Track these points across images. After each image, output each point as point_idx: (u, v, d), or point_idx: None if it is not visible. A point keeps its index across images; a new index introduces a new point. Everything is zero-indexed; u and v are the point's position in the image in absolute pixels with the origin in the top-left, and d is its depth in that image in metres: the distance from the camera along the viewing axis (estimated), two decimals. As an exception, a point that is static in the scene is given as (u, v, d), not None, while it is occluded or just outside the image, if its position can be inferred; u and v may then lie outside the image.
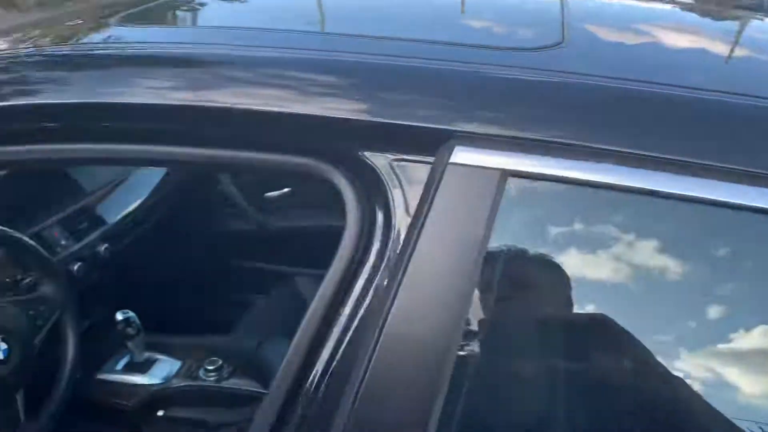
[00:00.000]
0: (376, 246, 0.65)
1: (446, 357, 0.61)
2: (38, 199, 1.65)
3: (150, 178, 1.99)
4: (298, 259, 2.36)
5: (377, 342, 0.64)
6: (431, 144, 0.58)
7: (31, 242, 1.24)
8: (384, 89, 0.62)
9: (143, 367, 1.62)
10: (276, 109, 0.61)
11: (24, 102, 0.70)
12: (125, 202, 1.83)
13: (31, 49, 0.80)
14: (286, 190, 2.34)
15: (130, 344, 1.59)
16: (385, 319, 0.64)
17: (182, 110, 0.63)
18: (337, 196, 0.65)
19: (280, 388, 0.71)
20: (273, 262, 2.39)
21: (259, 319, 1.99)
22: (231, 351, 1.65)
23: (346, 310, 0.69)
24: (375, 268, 0.65)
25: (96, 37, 0.89)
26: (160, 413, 1.55)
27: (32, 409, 1.20)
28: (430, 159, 0.58)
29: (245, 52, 0.68)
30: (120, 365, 1.64)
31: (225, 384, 1.57)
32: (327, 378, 0.70)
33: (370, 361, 0.65)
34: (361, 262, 0.67)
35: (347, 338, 0.69)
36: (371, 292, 0.66)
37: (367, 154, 0.61)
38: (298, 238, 2.33)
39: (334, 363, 0.70)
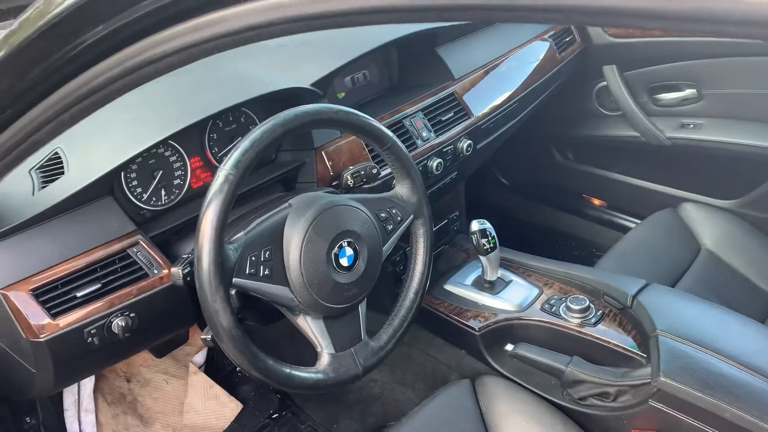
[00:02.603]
0: None
1: None
2: (410, 81, 1.49)
3: (523, 66, 1.69)
4: (691, 182, 1.88)
5: None
6: None
7: (390, 133, 1.05)
8: None
9: (494, 288, 1.40)
10: None
11: None
12: (493, 93, 1.56)
13: None
14: (687, 92, 1.83)
15: (483, 260, 1.38)
16: None
17: None
18: None
19: None
20: (658, 180, 1.94)
21: (632, 253, 1.61)
22: (600, 292, 1.31)
23: None
24: None
25: None
26: (509, 347, 1.32)
27: (372, 324, 1.06)
28: None
29: None
30: (469, 280, 1.45)
31: (590, 331, 1.25)
32: None
33: None
34: None
35: None
36: None
37: None
38: (697, 156, 1.82)
39: None
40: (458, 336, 1.38)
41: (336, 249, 0.96)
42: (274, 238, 0.95)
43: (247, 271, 0.91)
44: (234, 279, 0.90)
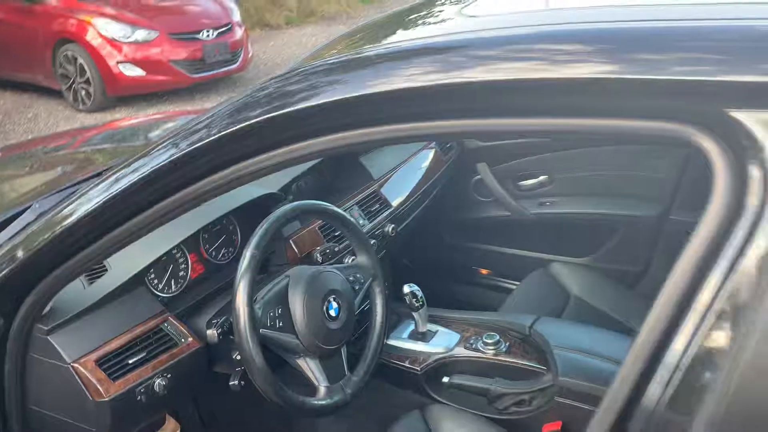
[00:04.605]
0: (749, 214, 0.60)
1: None
2: (341, 184, 1.90)
3: (419, 168, 2.17)
4: (555, 247, 2.40)
5: (748, 332, 0.58)
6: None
7: (351, 218, 1.44)
8: (754, 47, 0.63)
9: (426, 337, 1.77)
10: (635, 76, 0.66)
11: (326, 100, 0.82)
12: (403, 187, 2.02)
13: (326, 59, 0.93)
14: (541, 178, 2.39)
15: (415, 315, 1.76)
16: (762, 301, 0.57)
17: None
18: (703, 157, 0.66)
19: (626, 381, 0.69)
20: (529, 248, 2.45)
21: (520, 304, 2.06)
22: (506, 328, 1.74)
23: (708, 290, 0.62)
24: (747, 241, 0.60)
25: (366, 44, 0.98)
26: (445, 379, 1.69)
27: (352, 364, 1.40)
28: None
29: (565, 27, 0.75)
30: (405, 333, 1.82)
31: (503, 357, 1.66)
32: (678, 375, 0.64)
33: (736, 361, 0.59)
34: (728, 235, 0.62)
35: (707, 327, 0.62)
36: (740, 265, 0.60)
37: (737, 114, 0.63)
38: (557, 225, 2.36)
39: (689, 358, 0.64)
40: (404, 378, 1.73)
41: (326, 304, 1.31)
42: (282, 299, 1.28)
43: (268, 324, 1.23)
44: (260, 330, 1.21)
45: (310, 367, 1.30)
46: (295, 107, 0.83)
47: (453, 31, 0.86)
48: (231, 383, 1.29)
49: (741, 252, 0.61)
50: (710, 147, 0.65)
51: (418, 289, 1.74)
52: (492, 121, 0.77)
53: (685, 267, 0.65)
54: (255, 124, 0.86)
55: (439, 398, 1.69)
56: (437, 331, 1.80)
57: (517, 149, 2.35)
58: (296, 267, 1.37)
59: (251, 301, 1.19)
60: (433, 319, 1.85)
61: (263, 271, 1.59)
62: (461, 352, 1.71)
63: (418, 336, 1.79)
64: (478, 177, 2.47)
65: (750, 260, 0.60)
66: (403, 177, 2.05)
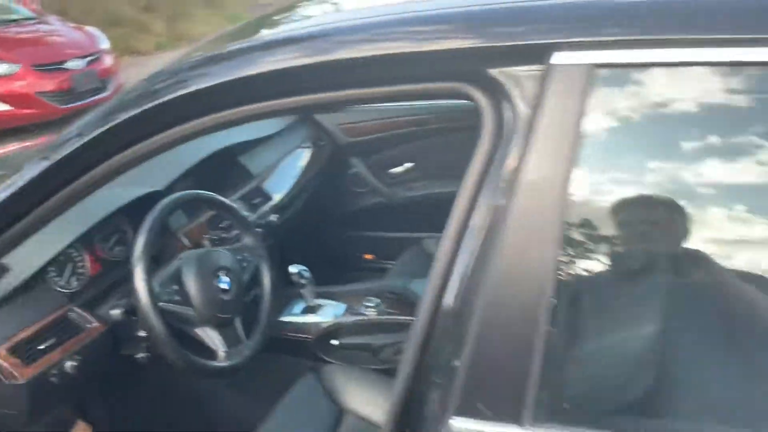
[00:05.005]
0: (505, 142, 0.84)
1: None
2: (222, 183, 2.07)
3: (297, 161, 2.38)
4: (426, 225, 2.68)
5: (501, 245, 0.80)
6: (538, 54, 0.85)
7: (235, 206, 1.63)
8: (500, 23, 0.90)
9: (315, 310, 1.98)
10: (424, 49, 0.91)
11: (202, 86, 0.99)
12: (284, 182, 2.22)
13: (191, 58, 1.12)
14: (407, 165, 2.66)
15: (303, 291, 1.96)
16: (508, 216, 0.80)
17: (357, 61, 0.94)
18: (475, 105, 0.92)
19: (426, 307, 0.92)
20: (405, 230, 2.72)
21: (399, 273, 2.32)
22: (385, 291, 1.98)
23: (480, 208, 0.85)
24: (504, 159, 0.83)
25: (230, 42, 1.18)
26: (335, 342, 1.90)
27: (247, 333, 1.59)
28: (539, 66, 0.85)
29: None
30: (297, 309, 2.02)
31: (383, 316, 1.89)
32: (461, 290, 0.85)
33: (494, 268, 0.79)
34: (493, 159, 0.87)
35: (479, 243, 0.84)
36: (502, 181, 0.83)
37: (493, 71, 0.89)
38: (426, 205, 2.64)
39: (468, 274, 0.84)
40: (298, 347, 1.92)
41: (217, 278, 1.49)
42: (177, 278, 1.45)
43: (166, 299, 1.40)
44: (159, 303, 1.37)
45: (209, 335, 1.47)
46: (162, 99, 1.01)
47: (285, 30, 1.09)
48: (137, 356, 1.44)
49: (501, 169, 0.86)
50: (478, 96, 0.91)
51: (305, 268, 1.95)
52: (328, 94, 0.99)
53: (464, 190, 0.91)
54: (128, 119, 1.03)
55: (330, 360, 1.90)
56: (326, 304, 2.02)
57: (384, 141, 2.62)
58: (187, 251, 1.54)
59: (149, 278, 1.35)
60: (320, 295, 2.06)
61: (156, 263, 1.74)
62: (347, 318, 1.93)
63: (308, 310, 1.99)
64: (353, 170, 2.71)
65: (506, 173, 0.86)
66: (282, 173, 2.26)
